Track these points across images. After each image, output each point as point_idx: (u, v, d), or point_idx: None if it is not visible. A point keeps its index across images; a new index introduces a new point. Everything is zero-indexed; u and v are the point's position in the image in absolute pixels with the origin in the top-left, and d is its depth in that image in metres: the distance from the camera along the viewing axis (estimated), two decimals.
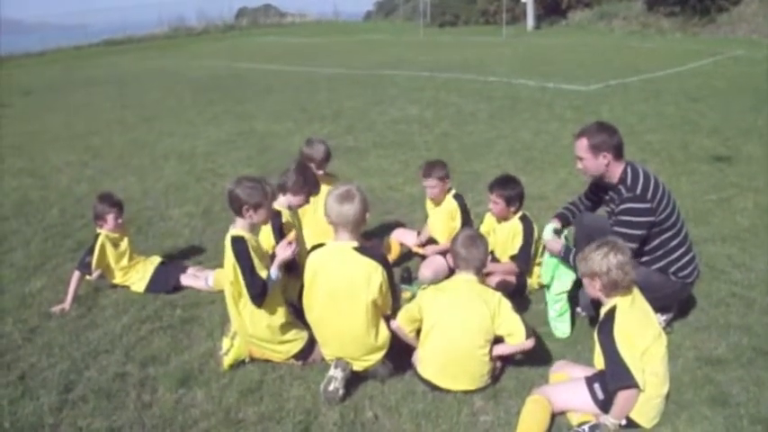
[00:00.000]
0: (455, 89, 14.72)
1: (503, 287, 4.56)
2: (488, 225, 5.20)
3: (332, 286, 3.73)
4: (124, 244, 5.25)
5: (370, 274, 3.65)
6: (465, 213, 5.34)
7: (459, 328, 3.72)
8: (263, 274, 3.83)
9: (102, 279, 5.24)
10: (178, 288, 5.15)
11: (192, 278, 5.19)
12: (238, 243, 3.85)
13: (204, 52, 24.82)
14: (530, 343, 3.76)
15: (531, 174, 8.21)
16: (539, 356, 4.04)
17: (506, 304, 3.79)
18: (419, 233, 5.66)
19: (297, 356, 4.05)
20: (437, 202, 5.38)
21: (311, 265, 3.80)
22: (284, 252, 3.98)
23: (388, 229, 6.38)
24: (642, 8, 25.79)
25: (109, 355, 4.27)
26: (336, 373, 3.72)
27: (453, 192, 5.43)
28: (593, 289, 3.56)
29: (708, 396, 3.71)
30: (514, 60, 19.20)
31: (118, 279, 5.20)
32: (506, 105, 12.96)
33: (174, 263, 5.44)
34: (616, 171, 4.22)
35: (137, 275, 5.18)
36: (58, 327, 4.64)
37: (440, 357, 3.74)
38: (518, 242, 4.94)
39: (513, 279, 4.89)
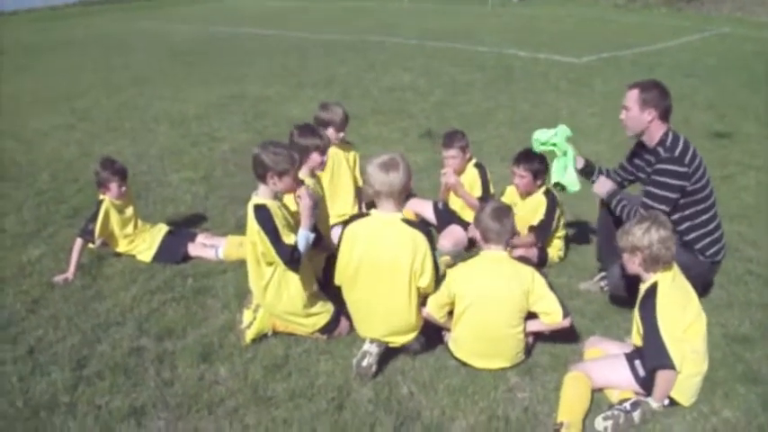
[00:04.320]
0: (446, 58, 14.49)
1: (524, 261, 4.43)
2: (510, 198, 5.07)
3: (379, 260, 3.57)
4: (129, 211, 5.01)
5: (417, 246, 3.51)
6: (485, 183, 5.20)
7: (494, 308, 3.61)
8: (290, 239, 3.66)
9: (105, 247, 5.00)
10: (186, 258, 4.93)
11: (201, 248, 4.99)
12: (261, 211, 3.66)
13: (181, 15, 24.04)
14: (566, 322, 3.68)
15: None
16: (568, 331, 3.91)
17: (540, 280, 3.68)
18: (435, 204, 5.49)
19: (322, 330, 3.91)
20: (458, 172, 5.21)
21: (353, 237, 3.63)
22: (302, 203, 3.72)
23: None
24: None
25: (121, 327, 4.07)
26: (372, 348, 3.60)
27: (474, 161, 5.28)
28: (632, 264, 3.48)
29: (741, 373, 3.69)
30: (503, 30, 18.94)
31: (122, 247, 4.97)
32: (500, 75, 12.79)
33: (181, 231, 5.21)
34: (657, 132, 4.13)
35: (143, 244, 4.96)
36: (63, 297, 4.42)
37: (475, 339, 3.64)
38: (540, 215, 4.82)
39: (534, 252, 4.77)
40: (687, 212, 4.13)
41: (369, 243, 3.58)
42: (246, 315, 3.92)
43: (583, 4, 26.82)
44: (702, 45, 16.51)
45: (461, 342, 3.69)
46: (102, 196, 4.90)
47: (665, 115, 4.11)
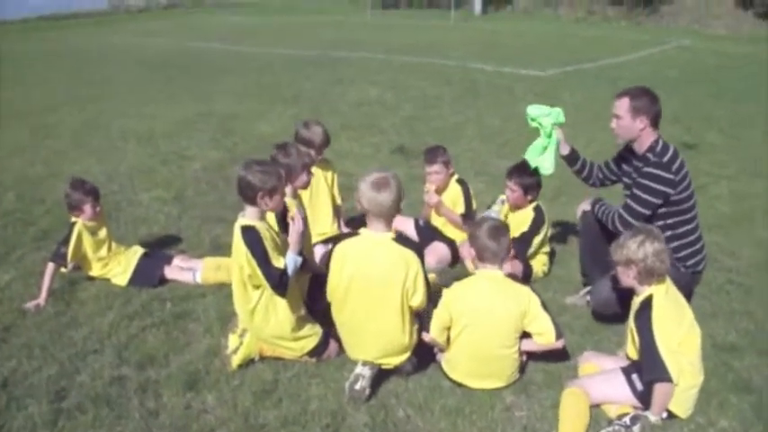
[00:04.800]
0: (413, 72, 14.54)
1: (510, 278, 4.39)
2: (503, 212, 5.03)
3: (370, 280, 3.48)
4: (102, 233, 4.83)
5: (409, 265, 3.44)
6: (468, 199, 5.16)
7: (491, 329, 3.55)
8: (279, 263, 3.55)
9: (78, 270, 4.81)
10: (163, 281, 4.78)
11: (178, 271, 4.83)
12: (250, 233, 3.54)
13: (148, 30, 23.67)
14: (559, 344, 3.65)
15: (509, 157, 8.07)
16: (560, 349, 3.86)
17: (536, 300, 3.64)
18: (417, 221, 5.43)
19: (311, 353, 3.80)
20: (441, 187, 5.16)
21: (342, 257, 3.54)
22: (294, 228, 3.64)
23: None
24: None
25: (100, 356, 3.88)
26: (364, 371, 3.50)
27: (457, 176, 5.25)
28: (627, 277, 3.48)
29: (732, 382, 3.71)
30: (466, 44, 19.10)
31: (96, 271, 4.79)
32: (468, 89, 12.88)
33: (157, 254, 5.04)
34: (647, 139, 4.16)
35: (118, 267, 4.78)
36: (35, 325, 4.21)
37: (470, 359, 3.58)
38: (523, 229, 4.80)
39: (519, 267, 4.73)
40: (670, 222, 4.15)
41: (359, 263, 3.49)
42: (232, 340, 3.79)
43: (543, 18, 27.27)
44: (663, 58, 16.89)
45: (456, 363, 3.63)
46: (74, 219, 4.71)
47: (655, 122, 4.14)
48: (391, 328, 3.53)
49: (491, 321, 3.53)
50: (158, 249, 5.23)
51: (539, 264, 4.95)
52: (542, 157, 4.50)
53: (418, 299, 3.50)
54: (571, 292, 4.72)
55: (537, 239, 4.81)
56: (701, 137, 9.13)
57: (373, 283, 3.47)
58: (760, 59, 16.30)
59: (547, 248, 5.01)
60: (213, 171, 7.36)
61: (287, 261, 3.59)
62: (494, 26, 24.62)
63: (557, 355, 3.85)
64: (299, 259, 3.66)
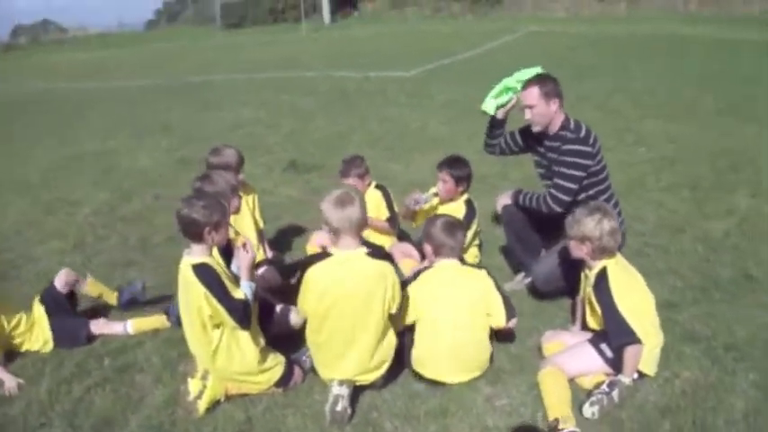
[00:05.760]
0: (279, 87, 14.47)
1: None
2: (430, 205, 5.05)
3: (352, 299, 3.38)
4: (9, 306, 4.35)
5: (387, 278, 3.39)
6: (389, 203, 5.18)
7: (465, 316, 3.61)
8: (239, 294, 3.38)
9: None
10: (91, 338, 4.40)
11: (105, 324, 4.45)
12: (203, 271, 3.34)
13: None
14: (511, 324, 3.74)
15: (400, 160, 8.25)
16: (515, 332, 4.02)
17: (490, 282, 3.74)
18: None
19: (278, 383, 3.63)
20: None
21: (318, 282, 3.40)
22: (246, 256, 3.51)
23: (292, 234, 6.04)
24: None
25: (48, 429, 3.48)
26: (342, 391, 3.39)
27: (374, 183, 5.24)
28: (579, 251, 3.63)
29: (680, 336, 3.97)
30: (325, 54, 19.26)
31: (18, 349, 4.27)
32: (339, 98, 13.00)
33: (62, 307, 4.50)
34: (559, 119, 4.35)
35: (41, 337, 4.28)
36: None
37: (449, 352, 3.58)
38: None
39: None
40: (591, 192, 4.35)
41: (339, 285, 3.38)
42: (193, 384, 3.54)
43: (392, 21, 27.99)
44: (518, 45, 17.83)
45: (430, 360, 3.62)
46: None
47: (563, 101, 4.33)
48: (373, 342, 3.46)
49: (464, 308, 3.60)
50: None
51: (471, 257, 5.04)
52: (492, 99, 4.60)
53: (396, 305, 3.49)
54: (507, 280, 4.83)
55: (470, 233, 4.90)
56: (578, 115, 9.67)
57: (357, 302, 3.38)
58: (604, 36, 17.56)
59: (477, 241, 5.12)
60: (106, 214, 6.89)
61: (244, 290, 3.43)
62: (345, 33, 24.99)
63: (514, 340, 3.98)
64: (254, 285, 3.52)
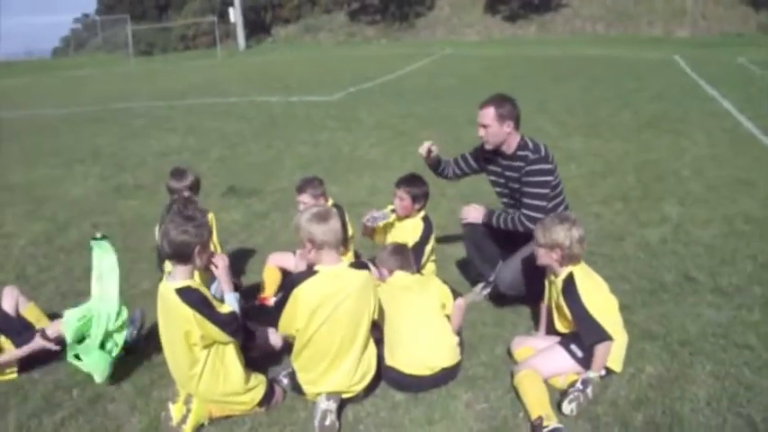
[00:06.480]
0: (202, 113, 14.35)
1: None
2: (387, 222, 5.15)
3: (343, 313, 3.44)
4: None
5: (371, 287, 3.50)
6: (344, 223, 5.24)
7: (427, 312, 3.90)
8: (225, 309, 3.42)
9: None
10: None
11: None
12: (189, 294, 3.32)
13: None
14: (460, 302, 4.07)
15: (336, 182, 8.32)
16: (482, 341, 4.25)
17: (437, 279, 4.23)
18: (296, 253, 5.39)
19: (261, 403, 3.61)
20: None
21: (311, 297, 3.43)
22: (221, 266, 3.62)
23: (243, 258, 6.02)
24: (345, 19, 27.48)
25: None
26: (330, 405, 3.43)
27: (331, 201, 5.31)
28: (548, 258, 3.83)
29: (638, 334, 4.24)
30: (242, 80, 19.22)
31: None
32: (266, 123, 13.01)
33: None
34: (514, 140, 4.56)
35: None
36: None
37: (420, 344, 3.79)
38: (414, 239, 4.97)
39: None
40: (550, 206, 4.58)
41: (330, 299, 3.43)
42: (176, 410, 3.48)
43: (306, 46, 28.19)
44: (435, 68, 18.34)
45: (405, 356, 3.75)
46: None
47: (518, 124, 4.55)
48: (359, 354, 3.53)
49: (418, 304, 3.91)
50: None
51: (428, 272, 5.16)
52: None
53: (377, 312, 3.62)
54: (465, 292, 4.96)
55: (428, 248, 5.03)
56: None
57: (347, 316, 3.45)
58: (517, 59, 18.30)
59: (434, 256, 5.25)
60: (44, 244, 6.62)
61: (229, 302, 3.47)
62: (261, 59, 24.98)
63: (483, 348, 4.18)
64: (238, 295, 3.59)
